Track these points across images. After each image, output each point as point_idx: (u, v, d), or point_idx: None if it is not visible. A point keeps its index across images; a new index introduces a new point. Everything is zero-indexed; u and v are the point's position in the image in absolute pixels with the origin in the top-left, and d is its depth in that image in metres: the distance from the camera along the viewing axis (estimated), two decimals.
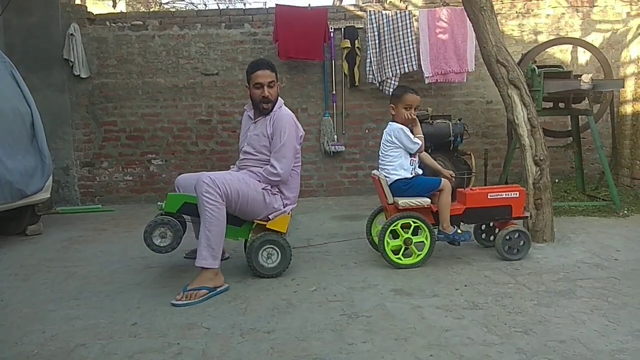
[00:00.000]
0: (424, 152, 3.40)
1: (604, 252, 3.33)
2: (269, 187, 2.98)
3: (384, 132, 3.26)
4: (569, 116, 5.10)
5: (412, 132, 3.19)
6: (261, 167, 3.02)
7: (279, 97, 3.16)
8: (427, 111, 5.02)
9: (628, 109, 5.27)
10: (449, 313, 2.37)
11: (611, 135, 5.42)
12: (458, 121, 5.01)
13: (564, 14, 6.08)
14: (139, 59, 6.03)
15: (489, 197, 3.23)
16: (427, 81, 5.76)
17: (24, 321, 2.42)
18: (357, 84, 5.95)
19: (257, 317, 2.38)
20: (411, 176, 3.17)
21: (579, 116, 4.96)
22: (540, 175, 3.59)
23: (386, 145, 3.23)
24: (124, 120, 6.10)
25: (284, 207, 3.06)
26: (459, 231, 3.15)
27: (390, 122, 3.27)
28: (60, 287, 2.94)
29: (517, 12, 6.08)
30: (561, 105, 4.84)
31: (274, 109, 3.08)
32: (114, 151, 6.13)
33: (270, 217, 2.99)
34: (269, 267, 2.94)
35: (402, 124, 3.19)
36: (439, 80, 5.80)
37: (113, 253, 3.70)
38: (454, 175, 3.38)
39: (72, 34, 5.77)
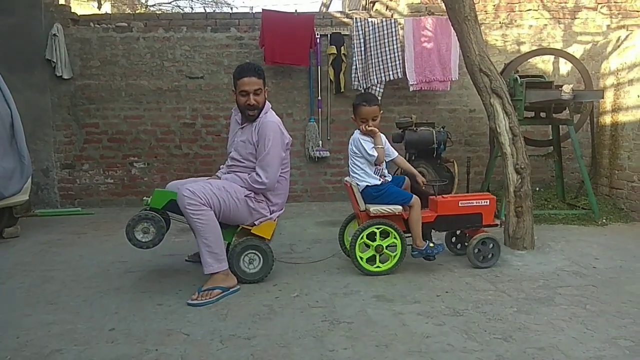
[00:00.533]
0: (399, 157, 3.43)
1: (582, 260, 3.39)
2: (252, 194, 2.96)
3: (350, 139, 3.27)
4: (550, 126, 5.18)
5: (374, 141, 3.18)
6: (248, 174, 2.99)
7: (267, 102, 3.12)
8: (412, 118, 5.06)
9: (607, 119, 5.38)
10: (429, 319, 2.38)
11: (591, 145, 5.51)
12: (441, 129, 5.05)
13: (546, 25, 6.19)
14: (122, 61, 5.97)
15: (460, 204, 3.25)
16: (411, 89, 5.81)
17: None
18: (342, 90, 5.97)
19: (237, 323, 2.36)
20: (380, 183, 3.17)
21: (560, 126, 5.04)
22: (521, 184, 3.64)
23: (351, 153, 3.26)
24: (106, 123, 6.02)
25: (271, 214, 3.05)
26: (431, 245, 3.14)
27: (356, 130, 3.28)
28: (36, 291, 2.88)
29: (500, 23, 6.18)
30: (542, 114, 4.91)
31: (260, 115, 3.05)
32: (95, 153, 6.05)
33: (256, 222, 2.98)
34: (250, 273, 2.92)
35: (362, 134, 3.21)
36: (423, 88, 5.85)
37: (92, 257, 3.64)
38: (425, 182, 3.42)
39: (55, 35, 5.69)
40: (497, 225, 3.42)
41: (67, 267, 3.39)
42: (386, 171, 3.27)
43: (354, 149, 3.22)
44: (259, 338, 2.19)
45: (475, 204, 3.27)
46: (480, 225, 3.29)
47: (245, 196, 2.92)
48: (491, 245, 3.22)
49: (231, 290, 2.75)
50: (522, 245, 3.62)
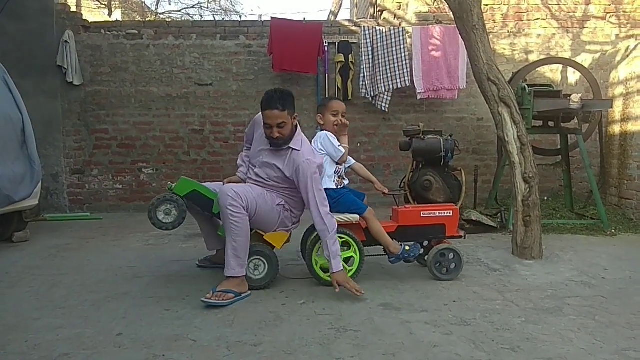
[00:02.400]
0: (357, 164, 3.43)
1: (591, 271, 3.36)
2: (283, 203, 2.99)
3: (312, 141, 3.21)
4: (559, 135, 5.16)
5: (341, 137, 3.20)
6: (273, 191, 2.97)
7: (298, 126, 2.99)
8: (419, 126, 5.06)
9: (616, 129, 5.35)
10: (437, 329, 2.37)
11: (599, 155, 5.49)
12: (449, 137, 5.03)
13: (554, 34, 6.19)
14: (133, 68, 6.03)
15: (422, 215, 3.17)
16: (419, 97, 5.82)
17: (7, 330, 2.37)
18: (350, 98, 5.99)
19: (244, 330, 2.35)
20: (335, 187, 3.13)
21: (568, 135, 5.03)
22: (529, 193, 3.62)
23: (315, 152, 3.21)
24: (116, 129, 6.08)
25: (292, 225, 3.10)
26: (407, 248, 3.10)
27: (319, 131, 3.25)
28: (45, 295, 2.90)
29: (508, 32, 6.18)
30: (551, 124, 4.90)
31: (290, 144, 2.92)
32: (104, 159, 6.10)
33: (276, 231, 3.02)
34: (255, 279, 2.93)
35: (331, 131, 3.18)
36: (430, 97, 5.86)
37: (100, 262, 3.66)
38: (386, 192, 3.38)
39: (66, 41, 5.77)
40: (461, 236, 3.29)
41: (76, 271, 3.41)
42: (344, 173, 3.24)
43: (319, 145, 3.15)
44: (265, 345, 2.19)
45: (437, 214, 3.18)
46: (443, 236, 3.20)
47: (277, 204, 2.95)
48: (451, 255, 3.12)
49: (243, 295, 2.77)
50: (531, 254, 3.60)
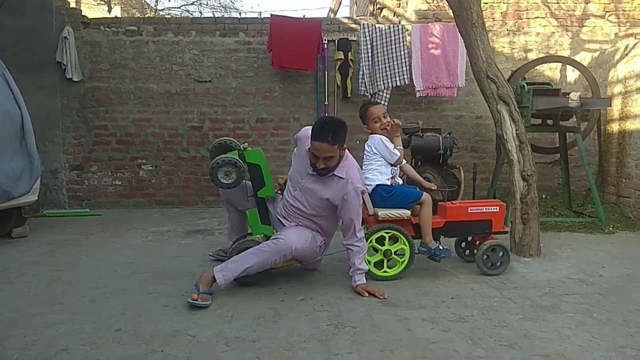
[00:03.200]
0: (406, 164, 3.45)
1: (589, 268, 3.37)
2: (322, 244, 3.06)
3: (366, 145, 3.31)
4: (557, 133, 5.17)
5: (392, 142, 3.25)
6: (309, 221, 2.99)
7: (346, 151, 2.94)
8: (418, 124, 5.07)
9: (615, 127, 5.36)
10: (435, 325, 2.38)
11: (598, 153, 5.50)
12: (448, 135, 5.05)
13: (553, 32, 6.19)
14: (132, 64, 6.02)
15: (469, 211, 3.24)
16: (418, 95, 5.82)
17: (5, 325, 2.38)
18: (349, 95, 5.98)
19: (242, 326, 2.36)
20: (390, 184, 3.19)
21: (567, 133, 5.03)
22: (527, 191, 3.63)
23: (368, 156, 3.28)
24: (115, 125, 6.07)
25: (322, 254, 3.17)
26: (440, 247, 3.14)
27: (371, 135, 3.31)
28: (44, 291, 2.91)
29: (508, 30, 6.18)
30: (549, 122, 4.91)
31: (338, 173, 2.86)
32: (103, 155, 6.09)
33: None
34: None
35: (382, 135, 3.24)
36: (429, 94, 5.85)
37: (99, 258, 3.67)
38: (434, 189, 3.41)
39: (65, 37, 5.75)
40: (506, 232, 3.40)
41: (74, 267, 3.41)
42: (398, 177, 3.30)
43: (373, 149, 3.24)
44: (264, 341, 2.20)
45: (484, 210, 3.26)
46: (489, 232, 3.28)
47: (318, 246, 3.03)
48: (501, 253, 3.20)
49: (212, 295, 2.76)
50: (529, 252, 3.61)
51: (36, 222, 5.04)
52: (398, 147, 3.24)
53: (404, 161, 3.42)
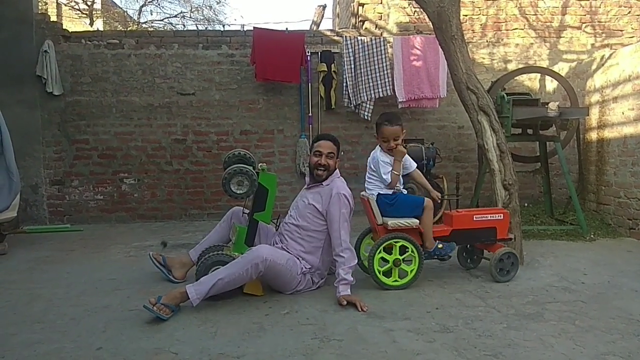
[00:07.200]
0: (416, 171, 3.45)
1: (571, 276, 3.41)
2: (306, 270, 3.06)
3: (371, 154, 3.33)
4: (537, 142, 5.25)
5: (393, 166, 3.22)
6: (298, 236, 3.09)
7: (337, 170, 3.23)
8: None
9: (593, 135, 5.46)
10: (420, 336, 2.38)
11: (578, 161, 5.59)
12: (431, 145, 5.10)
13: (532, 43, 6.31)
14: (114, 77, 5.98)
15: (474, 219, 3.31)
16: (400, 106, 5.87)
17: None
18: (333, 106, 6.02)
19: (226, 341, 2.34)
20: (392, 192, 3.22)
21: (547, 142, 5.12)
22: (509, 200, 3.67)
23: (368, 167, 3.32)
24: (97, 139, 6.01)
25: (320, 280, 3.19)
26: (440, 246, 3.19)
27: (377, 147, 3.33)
28: (23, 309, 2.84)
29: (487, 41, 6.29)
30: (529, 131, 4.98)
31: (328, 182, 3.14)
32: (85, 169, 6.01)
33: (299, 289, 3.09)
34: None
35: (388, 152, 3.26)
36: (412, 105, 5.92)
37: (80, 274, 3.60)
38: (440, 197, 3.47)
39: (46, 51, 5.70)
40: (511, 239, 3.45)
41: (55, 284, 3.35)
42: (401, 187, 3.32)
43: (372, 165, 3.28)
44: (249, 356, 2.18)
45: (489, 218, 3.32)
46: (494, 239, 3.33)
47: (299, 274, 3.03)
48: (512, 260, 3.27)
49: (175, 311, 2.69)
50: None
51: (16, 238, 4.94)
52: (395, 171, 3.21)
53: (414, 166, 3.41)
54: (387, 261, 3.11)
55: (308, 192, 3.20)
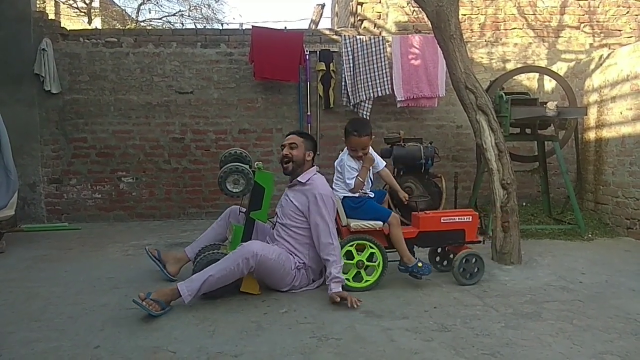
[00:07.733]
0: (385, 170, 3.45)
1: (569, 275, 3.42)
2: (300, 264, 3.06)
3: (339, 157, 3.33)
4: (535, 142, 5.25)
5: (360, 172, 3.22)
6: (287, 235, 3.10)
7: (314, 167, 3.23)
8: (400, 134, 5.11)
9: (591, 135, 5.47)
10: (418, 335, 2.38)
11: (576, 161, 5.60)
12: (429, 144, 5.10)
13: (531, 43, 6.32)
14: (112, 76, 5.97)
15: (442, 221, 3.24)
16: (399, 105, 5.88)
17: None
18: (331, 105, 6.01)
19: (225, 340, 2.34)
20: (357, 196, 3.20)
21: (545, 142, 5.12)
22: (507, 199, 3.68)
23: (337, 170, 3.33)
24: (95, 137, 6.00)
25: (318, 278, 3.18)
26: (419, 265, 3.10)
27: (345, 150, 3.32)
28: (21, 308, 2.84)
29: (486, 41, 6.29)
30: (528, 131, 4.99)
31: (305, 179, 3.13)
32: (83, 168, 6.00)
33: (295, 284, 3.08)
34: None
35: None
36: (410, 105, 5.92)
37: (78, 273, 3.59)
38: (407, 198, 3.43)
39: (44, 49, 5.68)
40: (480, 241, 3.40)
41: (53, 283, 3.34)
42: (368, 189, 3.29)
43: (338, 168, 3.28)
44: (246, 355, 2.17)
45: (457, 220, 3.25)
46: (462, 241, 3.27)
47: (293, 269, 3.03)
48: (474, 260, 3.20)
49: (167, 309, 2.68)
50: (509, 260, 3.65)
51: (14, 237, 4.93)
52: (360, 177, 3.19)
53: (383, 165, 3.41)
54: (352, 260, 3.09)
55: (289, 191, 3.22)
